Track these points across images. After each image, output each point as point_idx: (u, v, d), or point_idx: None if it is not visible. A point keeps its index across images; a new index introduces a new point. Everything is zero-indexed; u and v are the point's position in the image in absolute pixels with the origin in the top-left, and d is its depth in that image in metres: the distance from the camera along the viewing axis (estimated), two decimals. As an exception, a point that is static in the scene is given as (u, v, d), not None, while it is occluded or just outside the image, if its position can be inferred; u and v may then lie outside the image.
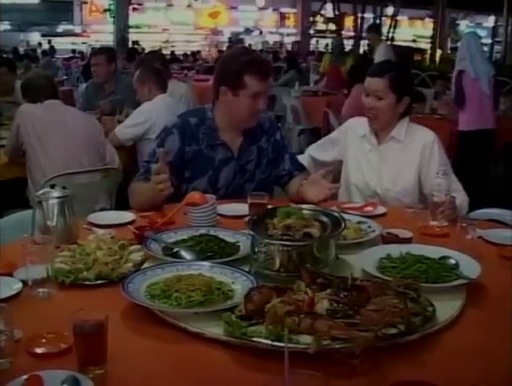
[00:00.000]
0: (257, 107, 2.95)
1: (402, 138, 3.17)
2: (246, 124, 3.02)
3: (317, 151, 3.52)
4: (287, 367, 1.23)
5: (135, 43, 24.39)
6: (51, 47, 24.88)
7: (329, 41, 24.08)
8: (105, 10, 28.00)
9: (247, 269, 2.04)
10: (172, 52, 23.02)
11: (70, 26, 33.27)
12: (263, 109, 3.00)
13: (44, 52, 22.38)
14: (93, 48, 20.69)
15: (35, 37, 30.44)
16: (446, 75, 9.83)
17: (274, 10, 34.57)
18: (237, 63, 2.95)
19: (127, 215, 2.70)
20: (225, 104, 2.98)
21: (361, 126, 3.30)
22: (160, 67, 5.16)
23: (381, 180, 3.21)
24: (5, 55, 14.64)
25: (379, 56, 9.10)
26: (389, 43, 10.34)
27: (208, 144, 3.01)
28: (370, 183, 3.25)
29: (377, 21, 23.87)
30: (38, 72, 5.05)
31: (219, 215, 2.65)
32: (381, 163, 3.22)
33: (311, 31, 26.33)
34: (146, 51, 13.02)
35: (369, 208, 2.87)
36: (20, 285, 1.95)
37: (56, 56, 22.10)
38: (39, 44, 27.71)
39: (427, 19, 30.84)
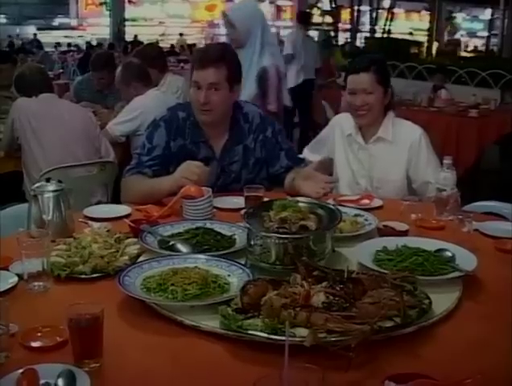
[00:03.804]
0: (198, 98, 2.85)
1: (390, 138, 3.18)
2: (198, 117, 2.94)
3: (310, 153, 3.51)
4: (287, 360, 1.23)
5: (136, 36, 24.28)
6: (37, 40, 24.74)
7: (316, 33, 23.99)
8: (101, 4, 27.93)
9: (243, 262, 2.04)
10: (172, 45, 22.93)
11: (66, 20, 33.21)
12: (204, 102, 2.83)
13: (39, 46, 22.28)
14: (88, 46, 20.68)
15: (30, 30, 30.35)
16: (444, 67, 9.85)
17: (270, 2, 34.48)
18: (191, 57, 2.98)
19: (123, 209, 2.70)
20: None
21: (346, 124, 3.30)
22: (141, 65, 5.09)
23: (372, 179, 3.22)
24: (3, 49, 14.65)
25: (287, 42, 9.33)
26: (310, 33, 10.26)
27: (192, 140, 2.98)
28: (361, 183, 3.25)
29: (374, 14, 23.86)
30: (30, 66, 5.01)
31: (215, 207, 2.65)
32: (371, 162, 3.22)
33: (308, 24, 26.27)
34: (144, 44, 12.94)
35: (365, 201, 2.87)
36: (16, 278, 1.95)
37: (51, 50, 22.00)
38: (34, 35, 27.55)
39: (423, 12, 30.81)
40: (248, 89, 4.07)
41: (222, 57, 2.88)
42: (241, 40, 4.24)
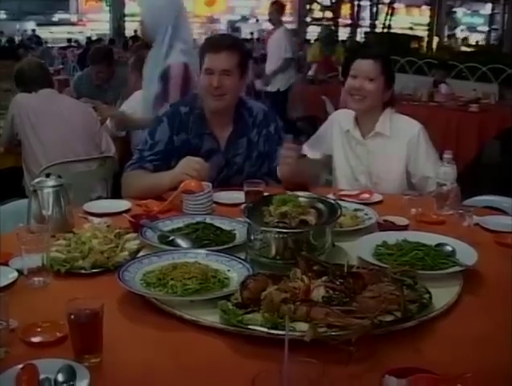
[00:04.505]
0: (210, 83, 2.87)
1: (388, 133, 3.16)
2: (208, 104, 2.96)
3: (308, 150, 3.50)
4: (287, 355, 1.23)
5: (136, 32, 24.20)
6: (36, 36, 24.68)
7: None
8: (101, -1, 27.89)
9: (243, 257, 2.04)
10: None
11: (66, 16, 33.18)
12: (217, 87, 2.86)
13: (38, 42, 22.24)
14: (88, 41, 20.63)
15: (30, 26, 30.32)
16: (445, 62, 9.84)
17: (270, -3, 34.46)
18: (201, 45, 3.05)
19: (123, 204, 2.69)
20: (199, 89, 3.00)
21: (344, 120, 3.29)
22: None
23: (371, 175, 3.21)
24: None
25: (273, 44, 8.67)
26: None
27: (196, 133, 2.99)
28: (360, 178, 3.24)
29: (374, 9, 23.82)
30: (30, 61, 4.99)
31: (215, 202, 2.65)
32: (369, 157, 3.22)
33: (308, 19, 26.28)
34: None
35: (365, 195, 2.87)
36: (16, 274, 1.95)
37: (51, 45, 21.98)
38: (33, 31, 27.49)
39: (423, 7, 30.73)
40: (151, 89, 3.85)
41: (234, 44, 2.96)
42: (148, 33, 3.92)
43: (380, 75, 3.10)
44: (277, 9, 8.85)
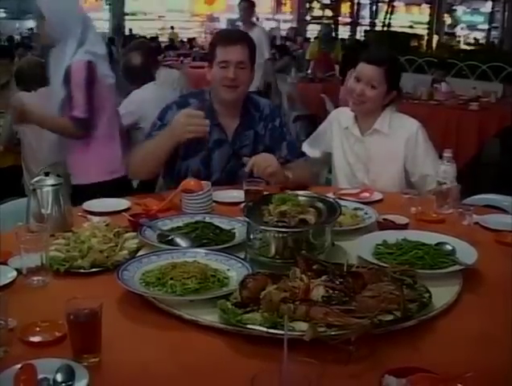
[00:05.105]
0: (226, 75, 2.91)
1: (386, 131, 3.16)
2: (221, 96, 2.99)
3: (308, 148, 3.50)
4: (286, 355, 1.23)
5: (131, 30, 24.19)
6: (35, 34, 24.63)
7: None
8: (101, -3, 27.84)
9: (242, 256, 2.03)
10: (172, 40, 22.84)
11: (66, 14, 33.12)
12: (233, 79, 2.91)
13: (37, 41, 22.17)
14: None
15: (30, 25, 30.28)
16: (444, 61, 9.85)
17: (270, -5, 34.40)
18: (211, 39, 3.11)
19: (122, 203, 2.69)
20: (210, 81, 3.03)
21: (343, 118, 3.30)
22: (139, 58, 5.09)
23: (368, 172, 3.21)
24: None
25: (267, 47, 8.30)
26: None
27: None
28: (358, 175, 3.24)
29: (374, 7, 23.82)
30: (29, 60, 5.00)
31: (214, 201, 2.65)
32: (368, 155, 3.22)
33: (308, 17, 26.29)
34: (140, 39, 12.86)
35: (365, 194, 2.86)
36: (14, 273, 1.94)
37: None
38: (31, 29, 27.41)
39: (423, 5, 30.74)
40: (55, 94, 3.57)
41: (245, 36, 3.08)
42: (52, 35, 3.53)
43: (383, 82, 3.09)
44: (246, 7, 8.52)
